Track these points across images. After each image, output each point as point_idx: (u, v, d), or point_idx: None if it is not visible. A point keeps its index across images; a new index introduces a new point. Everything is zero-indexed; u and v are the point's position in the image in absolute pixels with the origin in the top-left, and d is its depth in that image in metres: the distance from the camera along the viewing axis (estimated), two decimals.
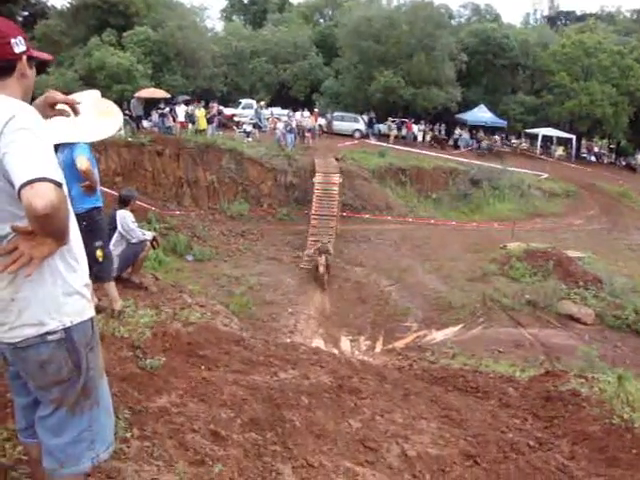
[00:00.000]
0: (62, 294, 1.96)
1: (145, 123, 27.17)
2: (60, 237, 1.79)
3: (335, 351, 11.40)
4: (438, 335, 16.55)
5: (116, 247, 6.40)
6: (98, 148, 18.50)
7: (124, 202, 6.81)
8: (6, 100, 1.90)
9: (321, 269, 18.91)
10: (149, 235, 6.81)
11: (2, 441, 2.71)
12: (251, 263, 20.16)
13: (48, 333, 1.95)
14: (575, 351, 14.76)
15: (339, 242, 22.16)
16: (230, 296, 16.31)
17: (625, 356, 14.73)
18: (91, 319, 2.08)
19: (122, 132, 20.91)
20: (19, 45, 2.03)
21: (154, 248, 6.92)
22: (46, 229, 1.72)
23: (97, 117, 5.14)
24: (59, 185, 1.71)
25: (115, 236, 6.49)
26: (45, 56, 2.28)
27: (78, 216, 5.10)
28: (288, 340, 11.11)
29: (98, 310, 5.09)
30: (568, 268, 19.66)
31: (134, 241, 6.59)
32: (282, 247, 22.27)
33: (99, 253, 5.26)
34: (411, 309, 17.85)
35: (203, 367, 4.53)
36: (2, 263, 1.75)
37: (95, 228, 5.21)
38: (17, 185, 1.67)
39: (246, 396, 4.07)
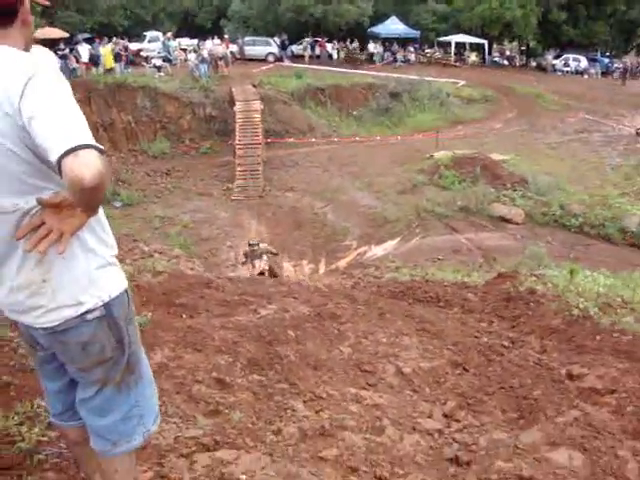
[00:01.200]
0: (96, 268, 1.79)
1: None
2: (96, 208, 1.62)
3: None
4: (378, 250, 16.91)
5: None
6: None
7: None
8: (18, 54, 1.65)
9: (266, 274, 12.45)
10: None
11: (16, 426, 2.58)
12: (181, 201, 19.72)
13: (87, 312, 1.78)
14: (510, 250, 15.48)
15: (267, 169, 21.91)
16: (166, 238, 16.01)
17: (556, 249, 15.54)
18: (126, 290, 1.92)
19: None
20: None
21: None
22: (91, 201, 1.54)
23: None
24: (102, 152, 1.51)
25: None
26: (43, 2, 1.99)
27: None
28: (232, 274, 11.04)
29: None
30: (495, 171, 20.25)
31: None
32: (210, 181, 21.83)
33: None
34: (348, 228, 18.04)
35: (185, 316, 4.45)
36: (30, 242, 1.56)
37: None
38: (55, 154, 1.44)
39: (237, 338, 4.04)
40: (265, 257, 12.02)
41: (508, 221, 17.77)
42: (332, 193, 20.29)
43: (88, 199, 1.52)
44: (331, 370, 3.88)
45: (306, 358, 3.99)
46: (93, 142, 1.50)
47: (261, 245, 12.57)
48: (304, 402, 3.35)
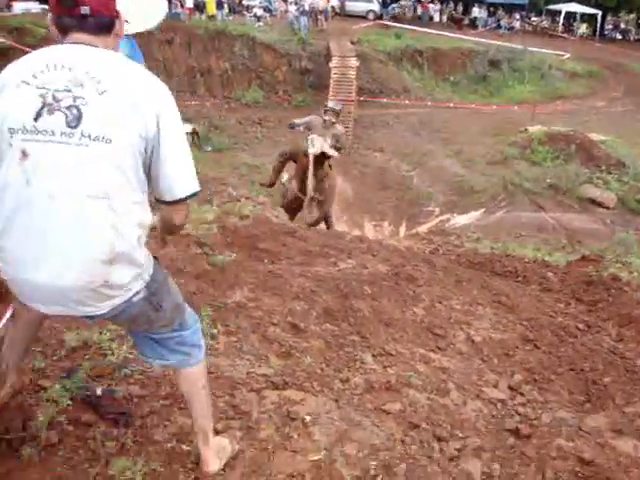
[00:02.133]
0: (139, 246, 1.82)
1: None
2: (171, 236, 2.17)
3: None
4: (461, 219, 16.65)
5: None
6: None
7: None
8: (140, 69, 1.85)
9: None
10: (187, 127, 6.60)
11: (108, 341, 2.80)
12: (269, 151, 19.83)
13: (134, 295, 1.85)
14: (597, 234, 14.92)
15: (357, 127, 21.78)
16: (252, 185, 16.29)
17: None
18: (155, 257, 1.98)
19: None
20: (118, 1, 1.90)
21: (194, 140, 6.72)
22: (172, 234, 2.09)
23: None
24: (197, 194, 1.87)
25: None
26: None
27: None
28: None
29: None
30: (591, 152, 19.35)
31: None
32: (300, 134, 21.94)
33: None
34: (433, 194, 17.81)
35: (266, 261, 4.61)
36: None
37: None
38: (171, 196, 1.80)
39: (314, 288, 4.16)
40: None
41: (599, 204, 17.04)
42: (420, 157, 20.01)
43: (171, 232, 2.08)
44: (403, 329, 3.95)
45: (380, 315, 4.07)
46: (198, 187, 1.85)
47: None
48: (373, 356, 3.44)
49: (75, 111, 1.66)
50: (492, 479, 2.56)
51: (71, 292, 1.72)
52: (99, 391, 2.45)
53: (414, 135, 22.13)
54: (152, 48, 22.11)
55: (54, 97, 1.67)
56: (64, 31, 1.79)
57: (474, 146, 20.81)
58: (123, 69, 1.79)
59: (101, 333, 2.84)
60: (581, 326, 5.04)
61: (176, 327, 2.05)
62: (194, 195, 1.83)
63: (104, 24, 1.84)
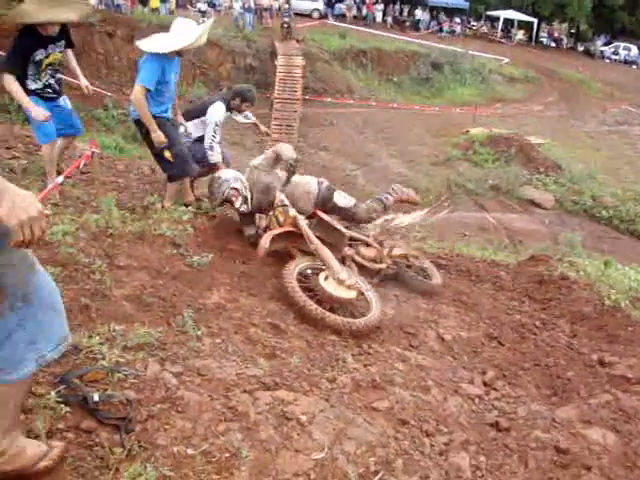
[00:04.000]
0: None
1: (92, 0, 25.36)
2: None
3: None
4: (405, 219, 16.92)
5: (196, 130, 6.01)
6: None
7: (231, 98, 6.18)
8: None
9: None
10: (217, 156, 6.04)
11: (98, 345, 2.77)
12: None
13: None
14: (536, 234, 15.49)
15: (302, 126, 21.85)
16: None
17: (583, 240, 15.52)
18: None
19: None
20: None
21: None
22: None
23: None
24: None
25: (196, 121, 6.01)
26: None
27: (137, 122, 5.20)
28: None
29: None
30: (529, 154, 20.11)
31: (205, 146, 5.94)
32: (244, 131, 21.76)
33: (167, 154, 5.36)
34: (377, 193, 18.02)
35: (237, 261, 4.62)
36: None
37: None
38: None
39: None
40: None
41: (537, 205, 17.74)
42: (365, 157, 20.25)
43: None
44: (377, 328, 4.05)
45: None
46: None
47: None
48: (352, 355, 3.52)
49: None
50: (480, 471, 2.68)
51: None
52: (96, 397, 2.41)
53: (358, 134, 22.37)
54: (93, 40, 21.59)
55: None
56: None
57: (417, 146, 21.23)
58: None
59: (91, 337, 2.80)
60: (537, 323, 5.27)
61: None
62: None
63: None
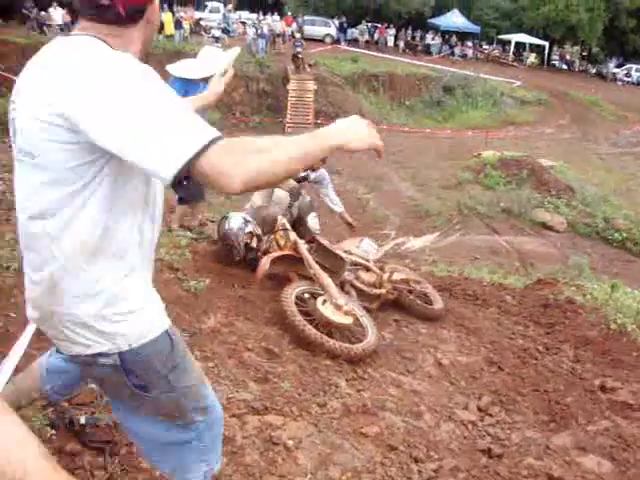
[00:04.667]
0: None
1: None
2: None
3: None
4: (416, 242, 16.89)
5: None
6: None
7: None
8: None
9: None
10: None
11: None
12: None
13: (99, 355, 1.59)
14: (548, 257, 15.38)
15: None
16: (210, 207, 16.26)
17: (595, 262, 15.38)
18: (165, 331, 1.68)
19: None
20: None
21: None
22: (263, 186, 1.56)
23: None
24: None
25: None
26: None
27: None
28: None
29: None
30: (541, 177, 19.99)
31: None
32: None
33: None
34: (389, 217, 18.06)
35: (236, 286, 4.65)
36: None
37: None
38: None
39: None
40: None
41: (549, 228, 17.59)
42: (376, 180, 20.29)
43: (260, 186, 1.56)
44: (375, 353, 4.04)
45: None
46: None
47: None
48: (346, 380, 3.52)
49: (14, 123, 1.47)
50: None
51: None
52: (82, 420, 2.44)
53: (370, 158, 22.41)
54: None
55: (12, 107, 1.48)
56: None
57: (429, 170, 21.24)
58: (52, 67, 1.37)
59: None
60: (541, 348, 5.22)
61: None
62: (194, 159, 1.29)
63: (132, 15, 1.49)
